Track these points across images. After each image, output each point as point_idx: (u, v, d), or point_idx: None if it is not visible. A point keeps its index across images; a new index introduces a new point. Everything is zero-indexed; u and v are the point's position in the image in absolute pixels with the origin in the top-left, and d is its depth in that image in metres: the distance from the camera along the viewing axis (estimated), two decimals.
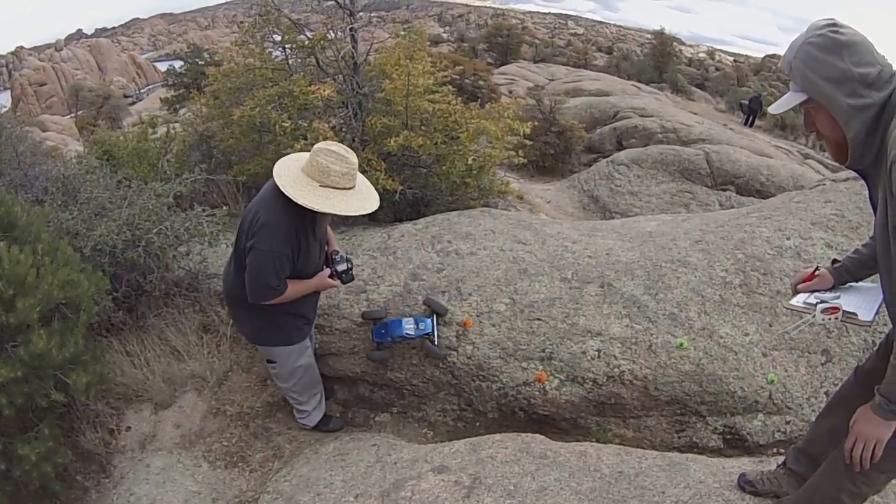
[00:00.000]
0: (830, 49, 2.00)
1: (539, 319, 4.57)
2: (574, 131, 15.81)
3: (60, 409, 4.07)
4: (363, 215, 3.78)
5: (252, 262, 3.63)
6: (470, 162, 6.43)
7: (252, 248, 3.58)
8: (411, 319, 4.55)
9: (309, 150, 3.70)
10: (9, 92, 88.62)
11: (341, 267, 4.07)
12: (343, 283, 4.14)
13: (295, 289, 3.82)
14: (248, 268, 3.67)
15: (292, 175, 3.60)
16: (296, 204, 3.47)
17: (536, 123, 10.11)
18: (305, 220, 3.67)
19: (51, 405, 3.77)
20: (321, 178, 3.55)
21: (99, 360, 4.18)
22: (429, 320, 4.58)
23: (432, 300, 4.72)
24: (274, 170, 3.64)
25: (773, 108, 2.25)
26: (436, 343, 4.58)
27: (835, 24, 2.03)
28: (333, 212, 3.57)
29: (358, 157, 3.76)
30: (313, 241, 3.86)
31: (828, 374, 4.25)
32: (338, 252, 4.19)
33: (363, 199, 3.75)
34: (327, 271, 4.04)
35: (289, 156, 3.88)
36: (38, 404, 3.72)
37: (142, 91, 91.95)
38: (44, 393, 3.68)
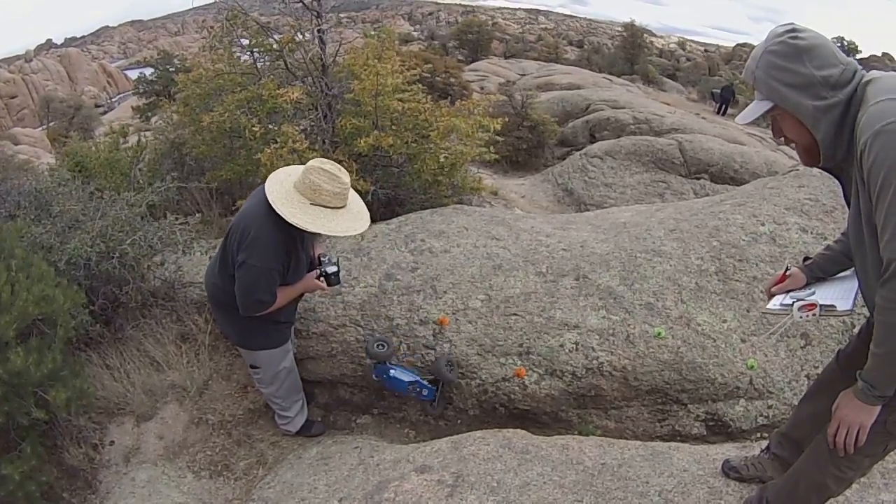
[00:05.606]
0: (791, 56, 2.01)
1: (515, 314, 4.59)
2: (546, 125, 15.85)
3: (42, 426, 4.03)
4: None
5: (243, 278, 3.64)
6: (441, 160, 6.44)
7: (243, 263, 3.58)
8: (416, 382, 4.46)
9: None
10: None
11: (331, 269, 4.07)
12: (329, 285, 4.12)
13: (284, 295, 3.84)
14: (238, 282, 3.68)
15: (284, 191, 3.61)
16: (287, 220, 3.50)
17: (508, 119, 10.09)
18: (296, 236, 3.70)
19: (32, 423, 3.75)
20: (312, 197, 3.57)
21: (78, 375, 4.14)
22: (433, 389, 4.50)
23: (440, 369, 4.44)
24: (266, 184, 3.64)
25: (740, 119, 2.26)
26: (435, 403, 4.55)
27: (794, 30, 2.04)
28: (322, 232, 3.60)
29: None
30: (302, 254, 3.89)
31: (808, 357, 4.30)
32: (326, 255, 4.19)
33: (353, 218, 3.76)
34: (314, 273, 4.05)
35: (281, 169, 3.88)
36: (19, 422, 3.71)
37: (113, 100, 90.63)
38: (24, 411, 3.66)
